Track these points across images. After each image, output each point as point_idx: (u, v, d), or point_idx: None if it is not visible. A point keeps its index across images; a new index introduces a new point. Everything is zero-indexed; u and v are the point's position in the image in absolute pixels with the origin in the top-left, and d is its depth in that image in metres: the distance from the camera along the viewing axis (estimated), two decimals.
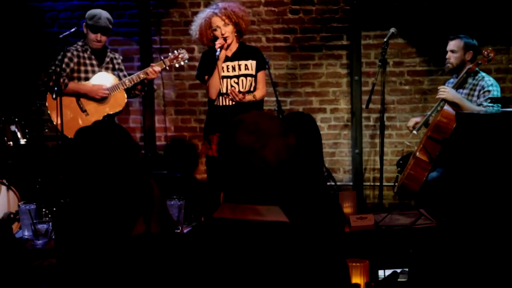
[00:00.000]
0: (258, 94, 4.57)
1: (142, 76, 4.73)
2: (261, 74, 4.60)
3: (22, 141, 4.91)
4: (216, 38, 4.44)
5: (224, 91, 4.50)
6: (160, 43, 6.09)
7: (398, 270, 3.10)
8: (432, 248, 3.46)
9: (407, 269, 3.58)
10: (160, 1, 6.07)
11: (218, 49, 4.40)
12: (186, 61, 4.88)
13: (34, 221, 3.45)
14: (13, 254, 2.21)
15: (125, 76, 4.90)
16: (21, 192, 4.58)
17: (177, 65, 4.87)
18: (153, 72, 4.71)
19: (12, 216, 4.41)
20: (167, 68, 4.84)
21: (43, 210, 3.92)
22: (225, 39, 4.42)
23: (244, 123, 1.55)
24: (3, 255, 2.15)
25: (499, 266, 3.17)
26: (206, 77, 4.52)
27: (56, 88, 4.38)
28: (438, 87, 4.80)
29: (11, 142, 4.84)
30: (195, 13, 4.76)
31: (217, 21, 4.41)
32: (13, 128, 4.92)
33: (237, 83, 4.50)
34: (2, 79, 5.95)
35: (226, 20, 4.40)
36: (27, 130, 4.96)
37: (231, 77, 4.50)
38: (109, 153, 2.30)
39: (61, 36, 4.53)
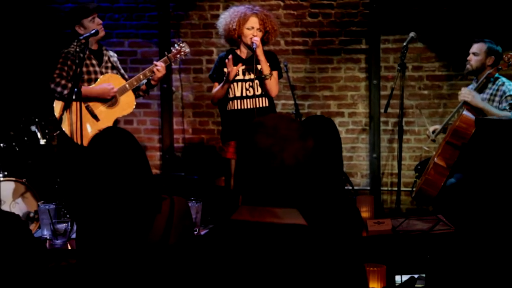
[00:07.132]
0: (272, 82, 4.51)
1: (148, 74, 4.63)
2: (274, 74, 4.55)
3: (42, 141, 4.94)
4: (240, 36, 4.45)
5: (238, 94, 4.51)
6: None
7: (416, 276, 3.09)
8: (449, 254, 3.44)
9: (424, 275, 3.56)
10: (179, 4, 6.10)
11: (227, 72, 4.43)
12: (188, 54, 4.88)
13: (53, 220, 3.48)
14: (31, 253, 2.23)
15: (123, 74, 4.84)
16: (41, 192, 4.62)
17: (180, 59, 4.85)
18: (159, 69, 4.61)
19: (31, 215, 4.46)
20: (172, 63, 4.79)
21: (62, 210, 3.95)
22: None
23: (263, 126, 1.55)
24: (21, 254, 2.17)
25: None
26: (216, 84, 4.58)
27: (76, 89, 4.37)
28: (461, 90, 4.74)
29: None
30: (214, 16, 4.78)
31: (254, 22, 4.43)
32: (33, 128, 4.95)
33: (252, 87, 4.51)
34: (23, 79, 6.01)
35: (261, 26, 4.42)
36: (47, 131, 4.99)
37: (246, 81, 4.52)
38: (124, 159, 2.34)
39: (81, 37, 4.50)
